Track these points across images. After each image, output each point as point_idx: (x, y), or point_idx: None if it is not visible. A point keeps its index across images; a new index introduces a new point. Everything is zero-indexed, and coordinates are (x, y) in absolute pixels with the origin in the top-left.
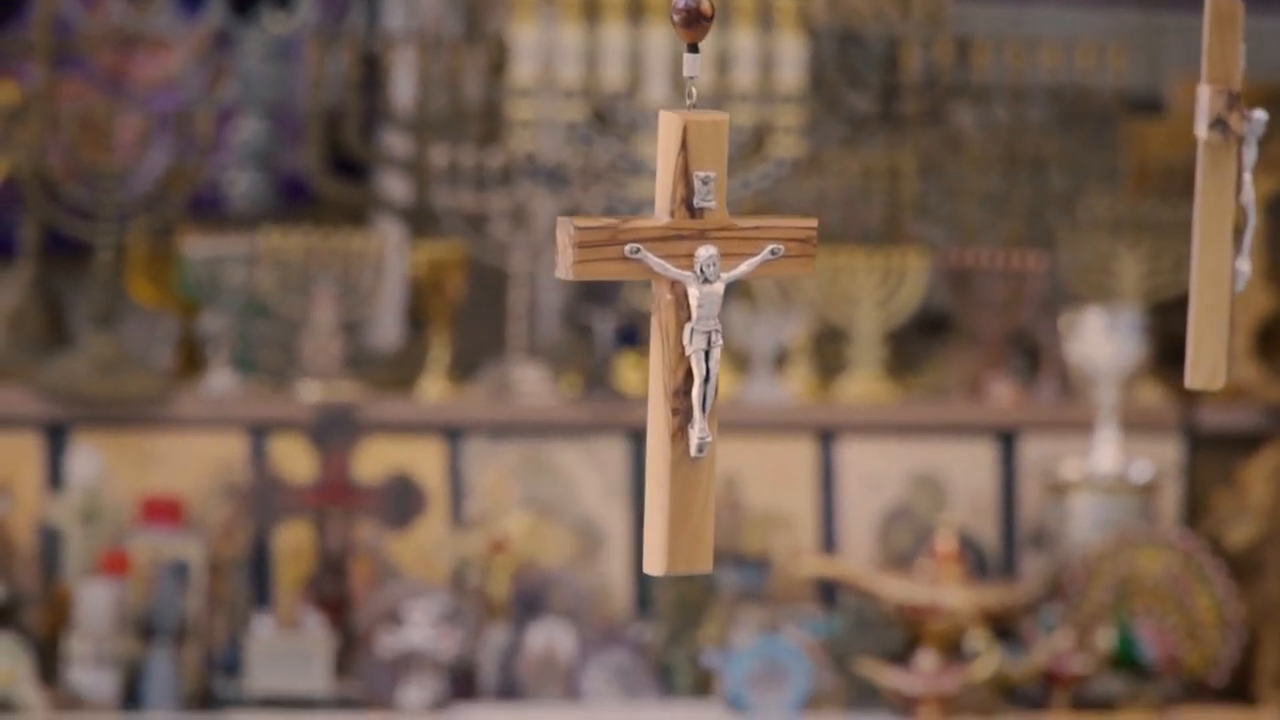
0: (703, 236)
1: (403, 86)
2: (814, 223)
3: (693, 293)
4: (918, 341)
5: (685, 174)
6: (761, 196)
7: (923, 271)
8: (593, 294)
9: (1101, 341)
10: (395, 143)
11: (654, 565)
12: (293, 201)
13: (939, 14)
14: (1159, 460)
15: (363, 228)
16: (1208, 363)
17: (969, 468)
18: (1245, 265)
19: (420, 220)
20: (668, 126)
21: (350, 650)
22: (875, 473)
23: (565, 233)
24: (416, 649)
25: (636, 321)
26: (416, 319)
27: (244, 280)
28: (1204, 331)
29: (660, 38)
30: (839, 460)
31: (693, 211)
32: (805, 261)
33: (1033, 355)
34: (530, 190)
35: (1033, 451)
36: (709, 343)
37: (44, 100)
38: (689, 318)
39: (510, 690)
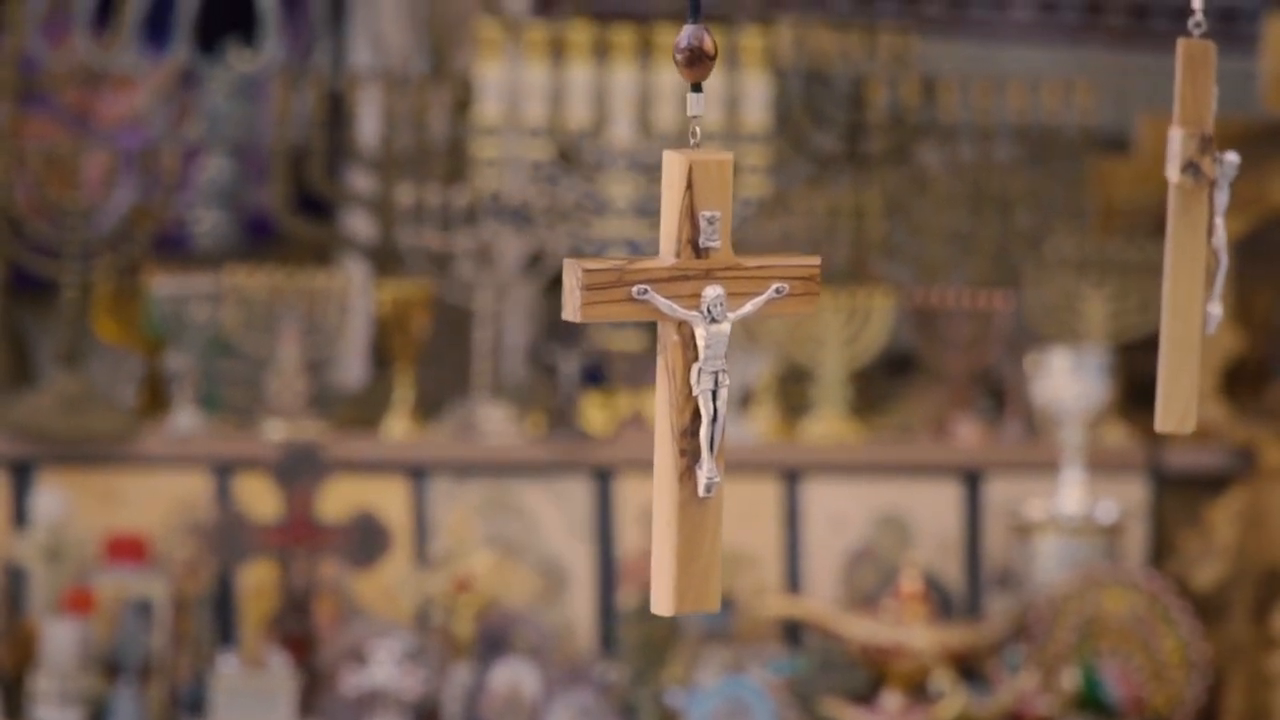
0: (709, 276)
1: (368, 125)
2: (817, 261)
3: (700, 333)
4: (883, 381)
5: (691, 214)
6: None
7: (888, 311)
8: (557, 333)
9: (1067, 381)
10: (360, 181)
11: (662, 605)
12: (258, 239)
13: (905, 53)
14: (1125, 501)
15: (328, 266)
16: (1179, 406)
17: (934, 508)
18: (1216, 308)
19: (385, 259)
20: (672, 167)
21: (314, 689)
22: (840, 513)
23: (573, 275)
24: (380, 688)
25: (601, 361)
26: (381, 358)
27: (209, 318)
28: (1175, 375)
29: (625, 77)
30: (804, 500)
31: (698, 251)
32: (809, 299)
33: (998, 395)
34: (495, 229)
35: (998, 492)
36: (716, 383)
37: (9, 137)
38: (696, 358)
39: None
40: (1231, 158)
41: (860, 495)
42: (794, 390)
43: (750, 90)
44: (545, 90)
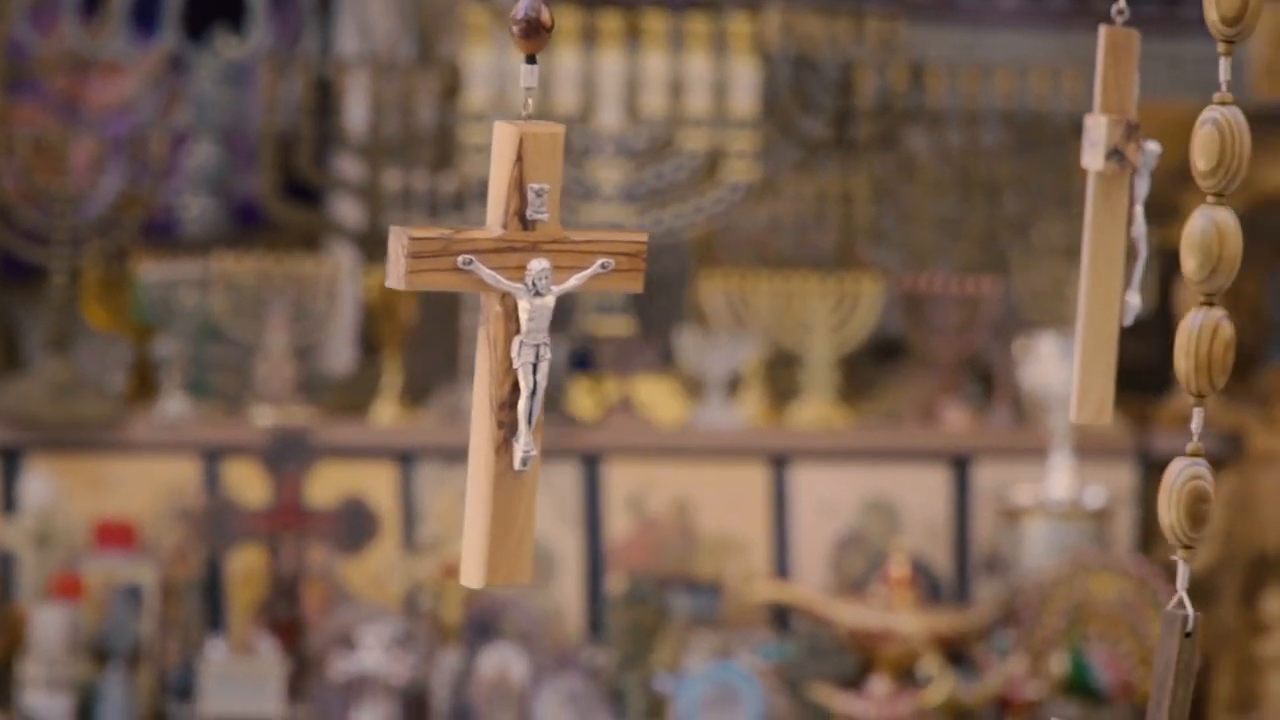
0: (535, 249)
1: (356, 111)
2: (644, 237)
3: (523, 305)
4: (871, 366)
5: (519, 186)
6: (715, 221)
7: (876, 296)
8: None
9: (1055, 367)
10: (348, 167)
11: (472, 578)
12: (246, 226)
13: (893, 38)
14: (1113, 486)
15: (316, 252)
16: (1096, 397)
17: (922, 493)
18: (1135, 298)
19: (373, 245)
20: (502, 137)
21: (303, 674)
22: (828, 498)
23: (398, 242)
24: (369, 673)
25: (588, 346)
26: (369, 343)
27: (197, 304)
28: (1091, 365)
29: (612, 63)
30: (792, 485)
31: (525, 224)
32: (635, 276)
33: (986, 380)
34: (483, 215)
35: (986, 477)
36: (537, 356)
37: None
38: (518, 330)
39: (462, 714)
40: (1153, 147)
41: (848, 480)
42: (782, 375)
43: (738, 75)
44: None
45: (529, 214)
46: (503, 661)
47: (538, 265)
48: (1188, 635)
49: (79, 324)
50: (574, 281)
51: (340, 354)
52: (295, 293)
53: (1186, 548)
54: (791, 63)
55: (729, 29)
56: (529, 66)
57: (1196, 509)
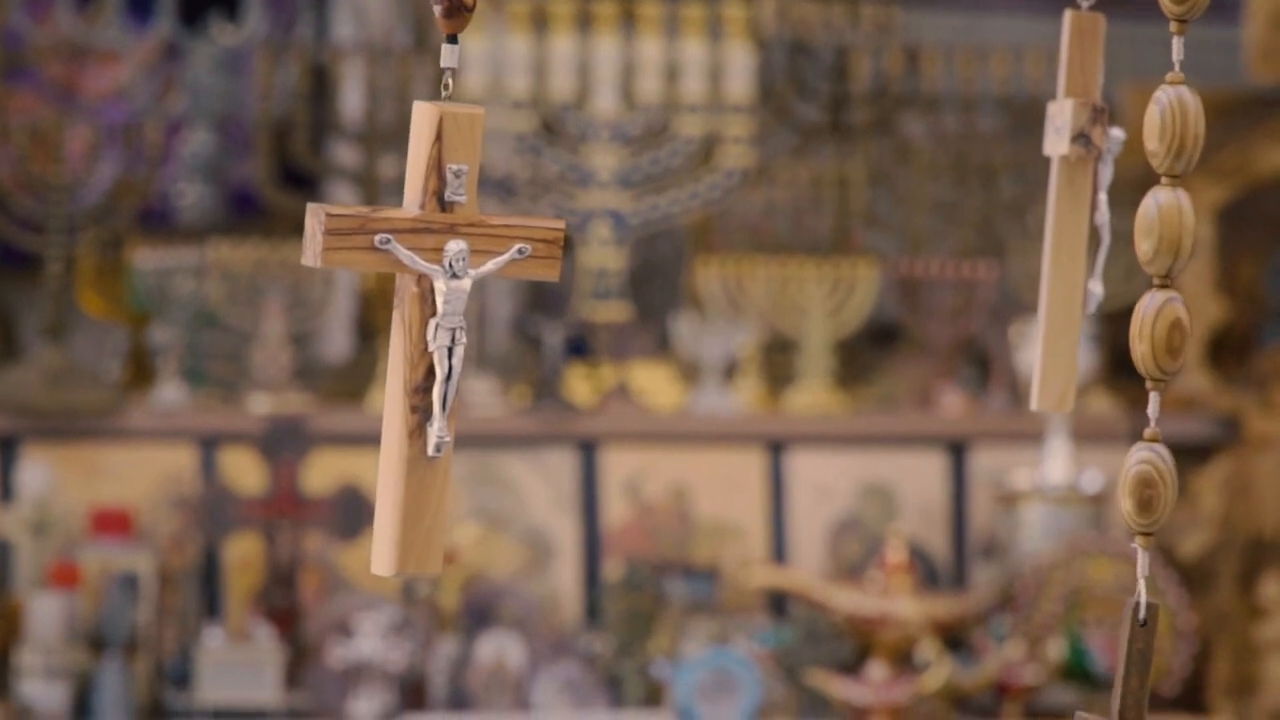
0: (452, 231)
1: (352, 98)
2: (562, 224)
3: (439, 287)
4: (867, 352)
5: (438, 166)
6: (711, 207)
7: (872, 281)
8: (542, 305)
9: None
10: (344, 154)
11: (382, 565)
12: (242, 213)
13: (888, 23)
14: (1110, 470)
15: None
16: (1058, 385)
17: (919, 478)
18: (1098, 287)
19: None
20: (422, 117)
21: (300, 661)
22: (825, 483)
23: (315, 219)
24: (366, 660)
25: (585, 332)
26: (365, 330)
27: (193, 292)
28: (1054, 353)
29: (609, 48)
30: (789, 471)
31: (443, 205)
32: (551, 264)
33: (983, 365)
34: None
35: (983, 462)
36: (453, 340)
37: None
38: (434, 313)
39: (460, 701)
40: (1117, 133)
41: (845, 466)
42: (778, 361)
43: (733, 61)
44: (528, 62)
45: (447, 195)
46: (500, 648)
47: (455, 247)
48: (1142, 624)
49: (75, 312)
50: (491, 265)
51: (336, 341)
52: (291, 280)
53: (1143, 535)
54: (787, 48)
55: (724, 14)
56: (450, 46)
57: (1143, 494)
